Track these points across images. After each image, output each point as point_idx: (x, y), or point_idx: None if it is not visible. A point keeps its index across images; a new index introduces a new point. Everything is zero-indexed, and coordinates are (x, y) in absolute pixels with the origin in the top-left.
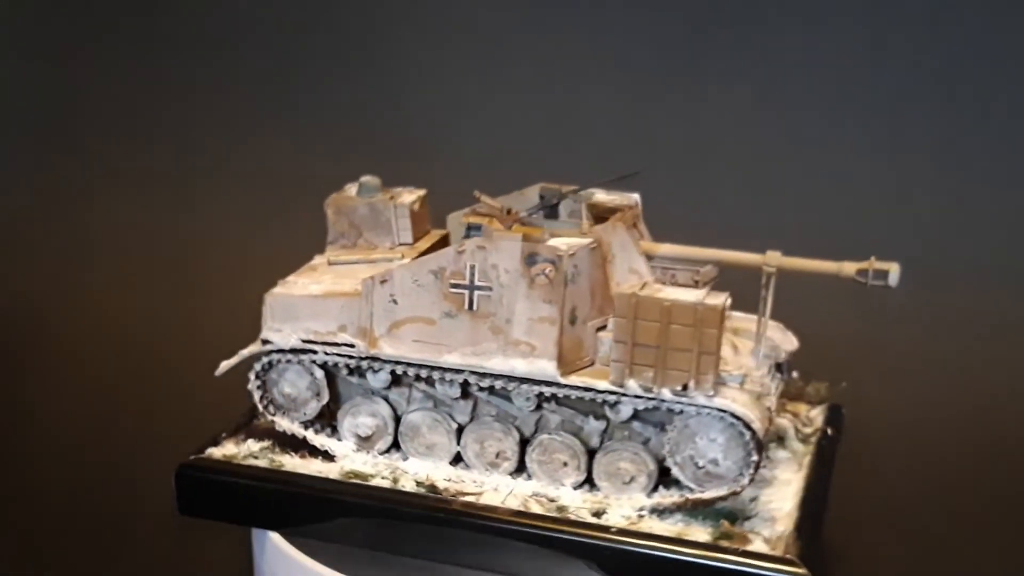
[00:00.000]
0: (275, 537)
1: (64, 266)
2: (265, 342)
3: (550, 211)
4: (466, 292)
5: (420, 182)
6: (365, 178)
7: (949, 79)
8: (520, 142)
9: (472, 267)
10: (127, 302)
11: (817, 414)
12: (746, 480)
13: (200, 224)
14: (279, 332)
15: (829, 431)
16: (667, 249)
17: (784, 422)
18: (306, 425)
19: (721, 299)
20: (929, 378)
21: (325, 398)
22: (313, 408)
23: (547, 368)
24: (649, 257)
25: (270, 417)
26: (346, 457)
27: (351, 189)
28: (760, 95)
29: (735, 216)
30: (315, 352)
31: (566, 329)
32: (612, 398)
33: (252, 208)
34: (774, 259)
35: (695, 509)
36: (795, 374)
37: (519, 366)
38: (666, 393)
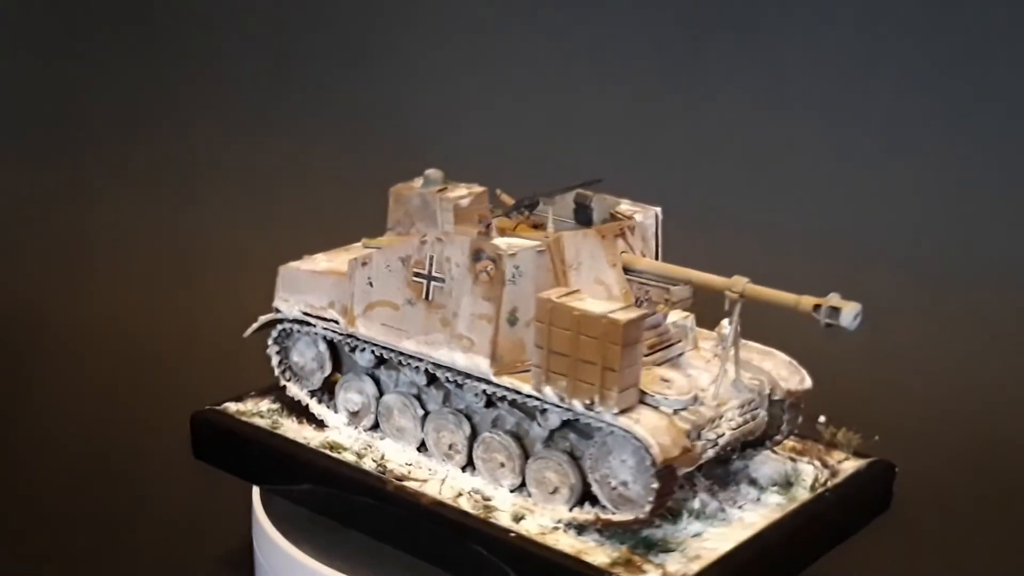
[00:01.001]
0: (275, 536)
1: (65, 265)
2: (277, 310)
3: (584, 215)
4: (424, 282)
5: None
6: (429, 171)
7: (949, 79)
8: (520, 143)
9: (431, 258)
10: (128, 301)
11: (851, 465)
12: (647, 508)
13: (201, 223)
14: (286, 302)
15: (851, 486)
16: (644, 264)
17: (808, 467)
18: (312, 394)
19: (630, 315)
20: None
21: (328, 370)
22: (318, 379)
23: (481, 365)
24: (627, 271)
25: (284, 382)
26: (335, 429)
27: (418, 181)
28: (761, 95)
29: (735, 216)
30: (312, 324)
31: (504, 328)
32: (539, 404)
33: (253, 207)
34: (738, 284)
35: (608, 530)
36: (822, 419)
37: (459, 360)
38: (577, 405)
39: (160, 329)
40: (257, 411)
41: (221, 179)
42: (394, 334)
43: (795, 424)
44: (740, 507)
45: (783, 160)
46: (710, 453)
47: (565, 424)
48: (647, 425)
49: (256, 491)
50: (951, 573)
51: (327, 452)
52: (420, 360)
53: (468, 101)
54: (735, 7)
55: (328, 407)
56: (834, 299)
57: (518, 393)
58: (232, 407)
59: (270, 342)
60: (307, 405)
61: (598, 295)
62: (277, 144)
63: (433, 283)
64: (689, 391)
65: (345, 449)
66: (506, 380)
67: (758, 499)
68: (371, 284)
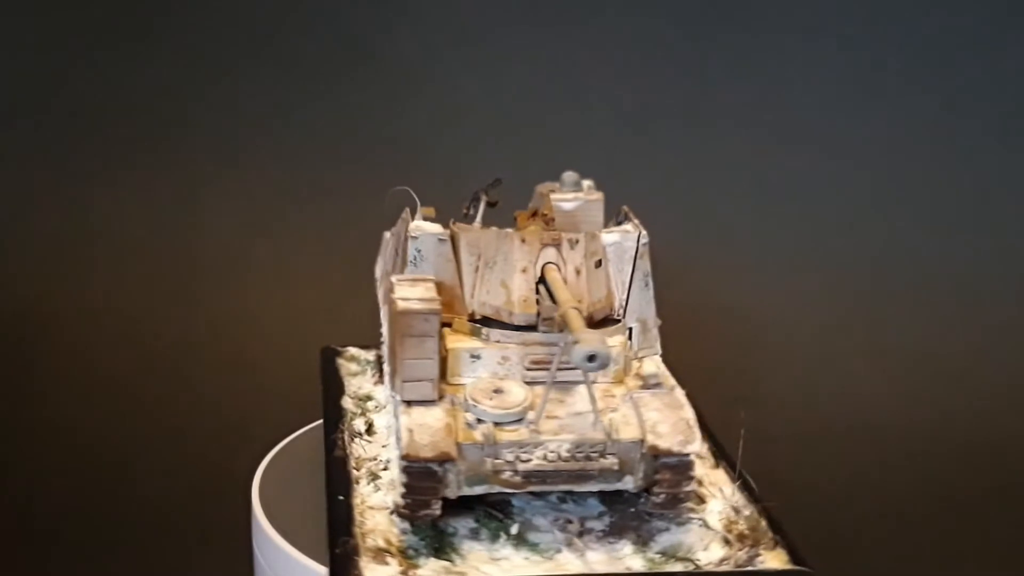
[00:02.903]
0: (275, 537)
1: (67, 264)
2: None
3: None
4: (397, 259)
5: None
6: (566, 173)
7: (948, 81)
8: (521, 144)
9: (399, 236)
10: (130, 300)
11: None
12: (400, 500)
13: (202, 223)
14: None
15: None
16: (548, 279)
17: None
18: None
19: (414, 306)
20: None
21: None
22: None
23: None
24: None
25: None
26: None
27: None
28: (760, 97)
29: (734, 217)
30: None
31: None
32: None
33: (255, 207)
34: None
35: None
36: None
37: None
38: (398, 399)
39: (162, 328)
40: None
41: (222, 178)
42: (384, 303)
43: (676, 488)
44: (581, 552)
45: (783, 161)
46: (511, 476)
47: None
48: (413, 420)
49: (256, 491)
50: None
51: None
52: None
53: (468, 101)
54: (735, 8)
55: None
56: (587, 336)
57: None
58: None
59: None
60: None
61: (496, 297)
62: (279, 143)
63: (398, 259)
64: (514, 408)
65: None
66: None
67: (615, 551)
68: (382, 255)
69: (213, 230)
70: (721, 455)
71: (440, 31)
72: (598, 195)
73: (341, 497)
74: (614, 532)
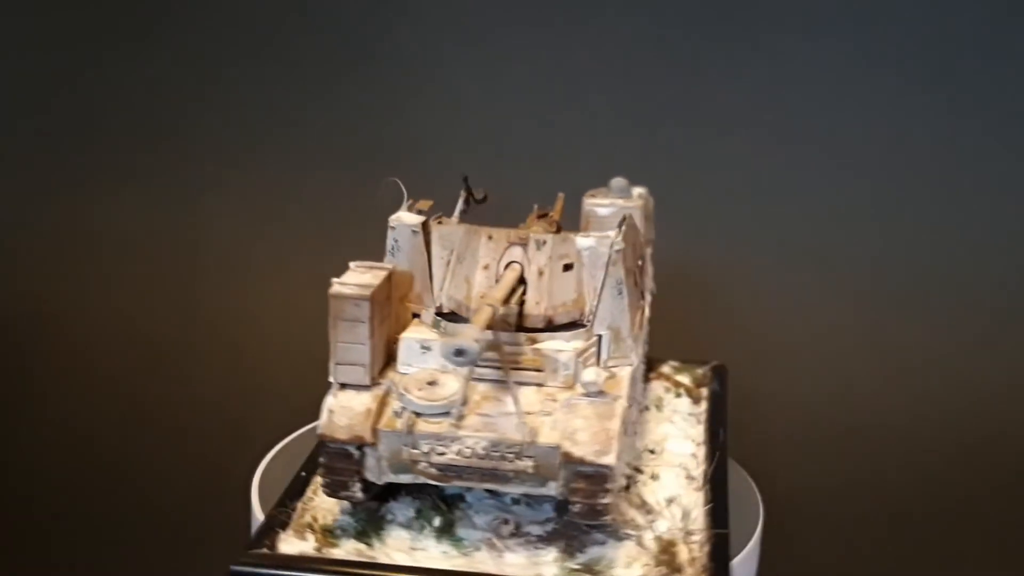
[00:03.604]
0: None
1: (68, 264)
2: None
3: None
4: None
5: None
6: (614, 180)
7: (949, 80)
8: (523, 144)
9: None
10: (132, 300)
11: None
12: (322, 478)
13: (203, 223)
14: None
15: None
16: (505, 274)
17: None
18: None
19: (345, 291)
20: None
21: None
22: None
23: None
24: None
25: None
26: None
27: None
28: (760, 96)
29: (734, 217)
30: None
31: (397, 299)
32: None
33: (256, 207)
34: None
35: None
36: None
37: None
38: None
39: (162, 328)
40: None
41: (223, 178)
42: None
43: (592, 499)
44: (500, 553)
45: (784, 162)
46: (427, 467)
47: None
48: (338, 402)
49: (255, 491)
50: (951, 572)
51: None
52: None
53: (468, 102)
54: (736, 8)
55: None
56: (464, 331)
57: None
58: None
59: None
60: None
61: (459, 292)
62: (280, 142)
63: None
64: (440, 401)
65: None
66: None
67: (535, 556)
68: None
69: (213, 230)
70: (711, 479)
71: (440, 31)
72: (636, 203)
73: (304, 474)
74: (549, 539)
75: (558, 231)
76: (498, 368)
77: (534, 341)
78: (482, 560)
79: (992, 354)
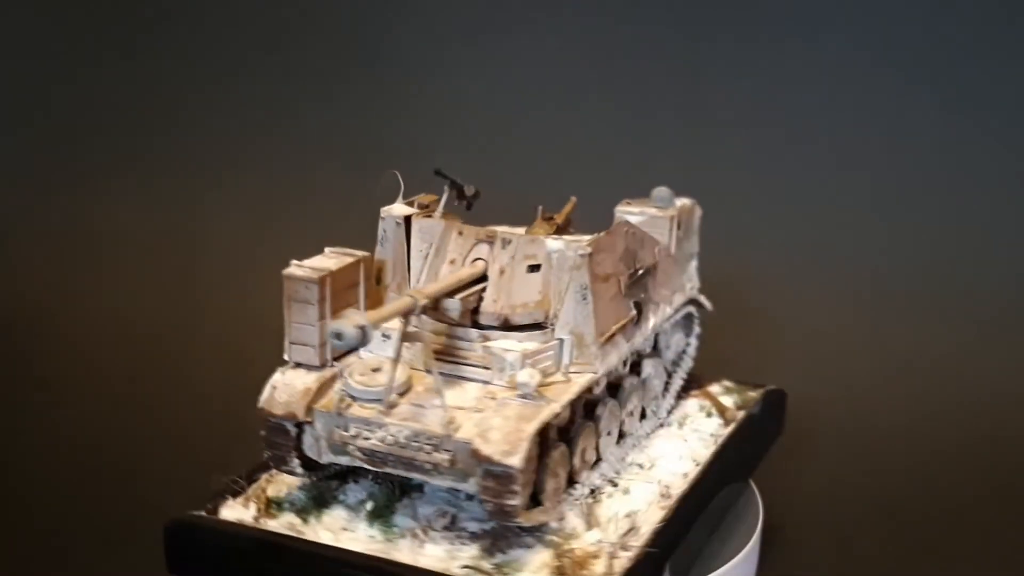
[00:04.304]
0: None
1: (66, 265)
2: None
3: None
4: None
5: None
6: (657, 188)
7: (950, 80)
8: (523, 146)
9: None
10: (132, 300)
11: None
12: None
13: (203, 223)
14: None
15: None
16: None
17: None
18: None
19: (298, 272)
20: None
21: None
22: None
23: None
24: None
25: None
26: None
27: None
28: (760, 97)
29: (734, 217)
30: None
31: (371, 286)
32: None
33: (257, 206)
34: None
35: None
36: None
37: None
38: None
39: (164, 328)
40: None
41: (225, 178)
42: None
43: (499, 499)
44: (422, 543)
45: (784, 162)
46: (354, 450)
47: None
48: (283, 379)
49: None
50: (950, 572)
51: None
52: None
53: (468, 102)
54: (736, 9)
55: None
56: (351, 315)
57: None
58: None
59: None
60: None
61: (430, 283)
62: (281, 142)
63: None
64: (375, 387)
65: None
66: None
67: (454, 551)
68: None
69: (213, 230)
70: (683, 498)
71: (440, 31)
72: (668, 212)
73: None
74: (479, 536)
75: (559, 233)
76: (454, 362)
77: (487, 339)
78: (401, 548)
79: (992, 354)
